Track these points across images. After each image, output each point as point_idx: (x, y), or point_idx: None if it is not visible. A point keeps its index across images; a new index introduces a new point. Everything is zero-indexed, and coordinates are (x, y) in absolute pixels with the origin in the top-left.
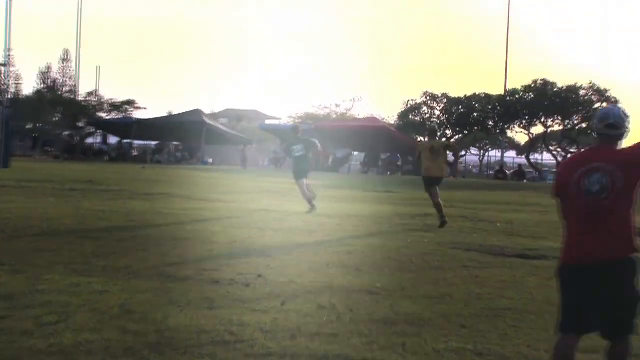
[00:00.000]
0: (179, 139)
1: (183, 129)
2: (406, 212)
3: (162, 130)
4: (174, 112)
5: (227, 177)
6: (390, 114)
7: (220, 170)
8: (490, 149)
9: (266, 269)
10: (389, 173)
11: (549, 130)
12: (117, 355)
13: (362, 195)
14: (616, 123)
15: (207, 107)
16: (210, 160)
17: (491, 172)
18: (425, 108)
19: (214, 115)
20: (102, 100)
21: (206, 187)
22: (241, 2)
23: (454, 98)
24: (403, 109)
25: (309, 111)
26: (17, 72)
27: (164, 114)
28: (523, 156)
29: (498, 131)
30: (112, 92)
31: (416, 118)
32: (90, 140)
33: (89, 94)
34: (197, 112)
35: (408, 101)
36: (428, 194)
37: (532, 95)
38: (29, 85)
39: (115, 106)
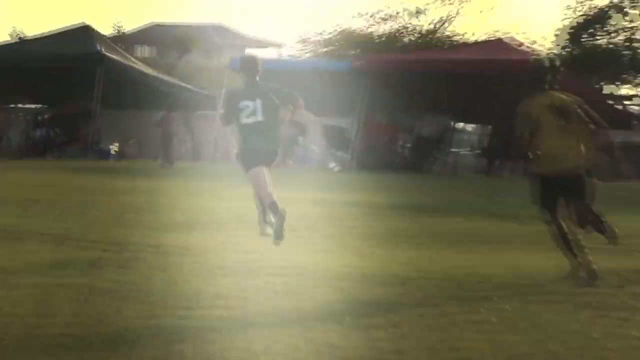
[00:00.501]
0: (43, 98)
1: (53, 75)
2: None
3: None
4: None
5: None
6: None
7: (118, 172)
8: None
9: None
10: None
11: None
12: None
13: None
14: None
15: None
16: (113, 148)
17: None
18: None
19: (124, 40)
20: None
21: None
22: None
23: None
24: (573, 24)
25: (344, 24)
26: None
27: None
28: None
29: None
30: None
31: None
32: None
33: None
34: (84, 33)
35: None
36: (548, 215)
37: None
38: None
39: None
